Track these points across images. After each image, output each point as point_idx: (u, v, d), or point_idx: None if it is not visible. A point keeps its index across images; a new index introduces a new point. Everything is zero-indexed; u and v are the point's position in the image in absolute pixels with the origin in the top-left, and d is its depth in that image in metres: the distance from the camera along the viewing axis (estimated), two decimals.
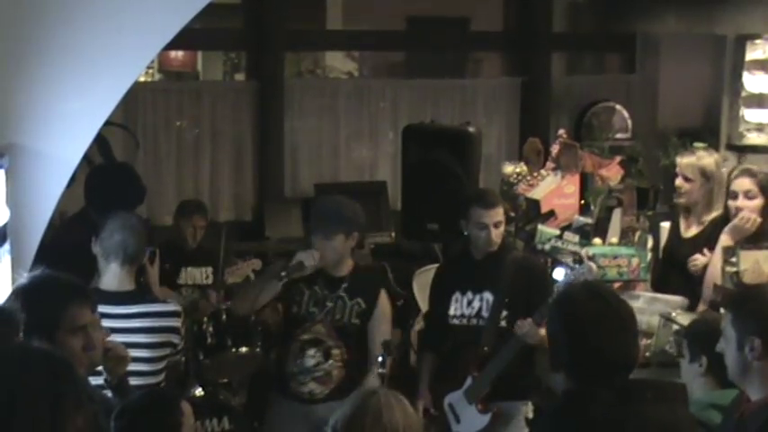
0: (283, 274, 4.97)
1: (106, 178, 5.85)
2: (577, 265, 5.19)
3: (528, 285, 5.14)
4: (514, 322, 5.05)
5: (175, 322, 4.53)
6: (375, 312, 5.11)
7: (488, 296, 5.24)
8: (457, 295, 5.31)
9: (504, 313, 5.17)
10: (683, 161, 5.73)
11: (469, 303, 5.29)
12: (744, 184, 5.36)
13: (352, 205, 5.15)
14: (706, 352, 3.81)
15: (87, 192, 5.63)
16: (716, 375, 3.78)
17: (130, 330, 4.30)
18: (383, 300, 5.18)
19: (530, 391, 5.27)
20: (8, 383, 2.50)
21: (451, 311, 5.31)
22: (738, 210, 5.31)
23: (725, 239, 5.25)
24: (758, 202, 5.30)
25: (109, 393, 3.78)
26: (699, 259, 5.42)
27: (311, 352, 5.05)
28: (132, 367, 4.30)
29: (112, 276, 4.43)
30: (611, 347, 2.98)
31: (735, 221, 5.28)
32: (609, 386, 2.94)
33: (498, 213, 5.25)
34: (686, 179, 5.67)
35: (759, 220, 5.24)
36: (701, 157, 5.68)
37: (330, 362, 5.05)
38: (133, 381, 4.26)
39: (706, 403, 3.69)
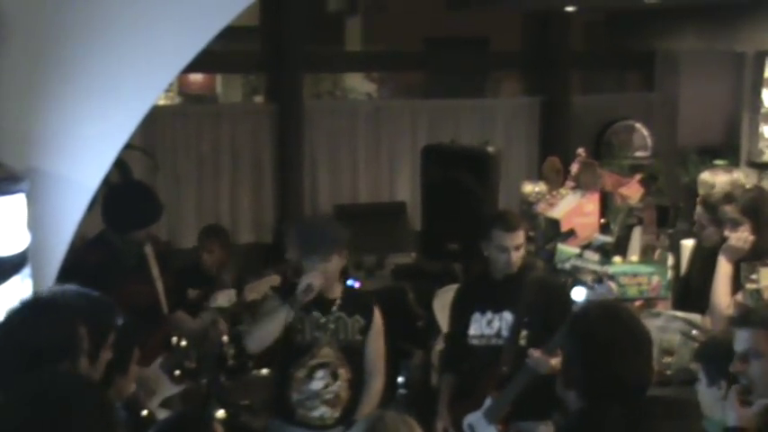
0: (299, 299, 4.95)
1: (122, 196, 5.81)
2: (597, 285, 5.16)
3: (547, 305, 5.12)
4: (534, 341, 5.04)
5: None
6: (371, 327, 5.15)
7: (508, 316, 5.24)
8: (476, 315, 5.32)
9: (524, 333, 5.16)
10: (700, 178, 5.77)
11: (489, 323, 5.29)
12: (726, 212, 5.30)
13: (336, 224, 5.35)
14: (724, 374, 3.76)
15: (104, 211, 5.58)
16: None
17: None
18: (377, 316, 5.22)
19: (550, 410, 5.23)
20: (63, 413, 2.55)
21: (471, 332, 5.32)
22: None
23: (723, 261, 5.19)
24: (745, 227, 5.19)
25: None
26: None
27: (320, 374, 5.05)
28: None
29: None
30: (626, 370, 2.97)
31: (729, 242, 5.21)
32: (621, 405, 2.93)
33: (519, 236, 5.26)
34: None
35: (752, 237, 5.18)
36: (716, 175, 5.70)
37: (338, 383, 5.06)
38: None
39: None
